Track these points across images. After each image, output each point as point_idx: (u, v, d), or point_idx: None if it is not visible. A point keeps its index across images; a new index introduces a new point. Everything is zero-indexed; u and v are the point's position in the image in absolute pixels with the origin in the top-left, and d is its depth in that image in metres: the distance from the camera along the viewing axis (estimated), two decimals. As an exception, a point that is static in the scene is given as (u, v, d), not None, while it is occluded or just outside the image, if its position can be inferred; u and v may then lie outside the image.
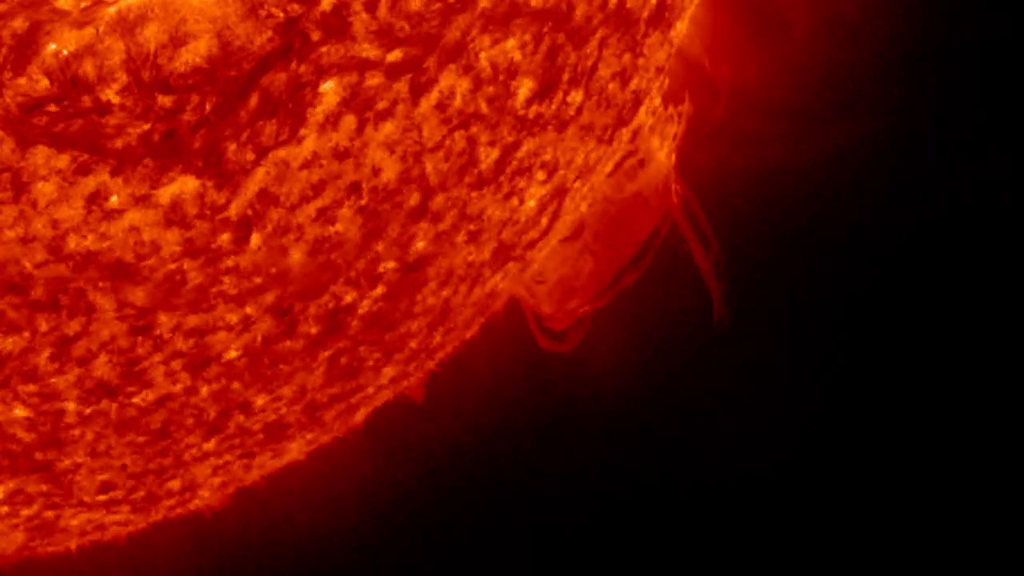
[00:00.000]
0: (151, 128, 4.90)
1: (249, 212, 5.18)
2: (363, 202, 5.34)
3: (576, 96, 5.70)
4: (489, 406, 7.75)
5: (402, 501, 7.85)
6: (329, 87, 5.05)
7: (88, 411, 5.54)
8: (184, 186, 5.06)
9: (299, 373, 5.84)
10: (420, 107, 5.24)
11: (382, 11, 5.00)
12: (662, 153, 6.82)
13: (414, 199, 5.45)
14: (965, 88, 7.58)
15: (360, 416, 6.62)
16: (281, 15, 4.86)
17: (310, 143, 5.14)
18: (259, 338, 5.57)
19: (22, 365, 5.29)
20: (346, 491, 7.67)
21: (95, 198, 4.98)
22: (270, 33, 4.88)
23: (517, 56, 5.37)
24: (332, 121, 5.12)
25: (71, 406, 5.50)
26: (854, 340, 8.03)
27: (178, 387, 5.61)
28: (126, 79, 4.79)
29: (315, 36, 4.95)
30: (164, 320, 5.35)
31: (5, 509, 5.94)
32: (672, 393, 8.00)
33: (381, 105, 5.17)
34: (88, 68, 4.75)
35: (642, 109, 6.34)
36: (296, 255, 5.36)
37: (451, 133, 5.37)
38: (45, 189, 4.92)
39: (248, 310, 5.45)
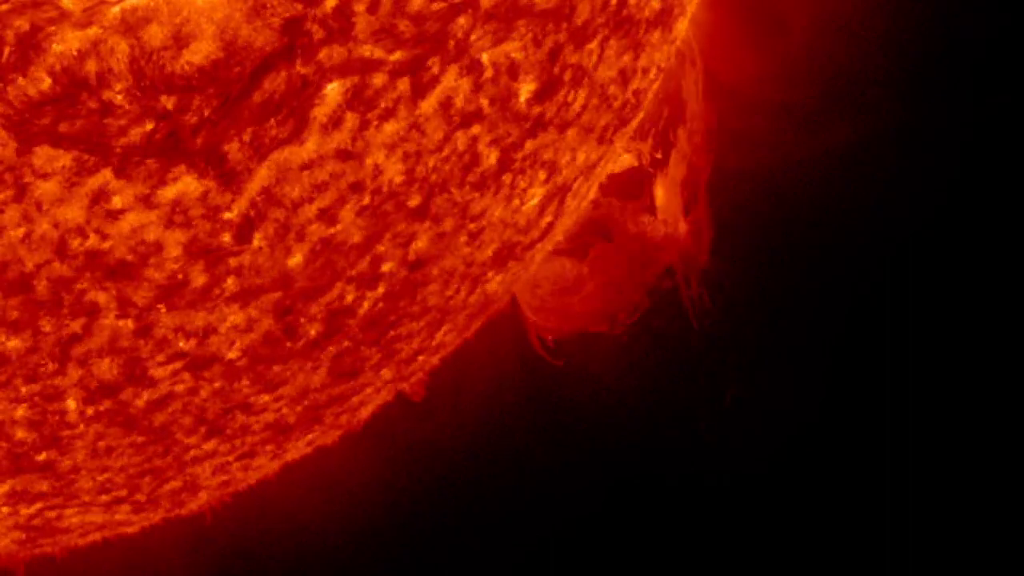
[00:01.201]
0: (154, 128, 4.90)
1: (251, 212, 5.18)
2: (365, 202, 5.34)
3: (577, 96, 5.70)
4: (489, 406, 7.75)
5: (402, 501, 7.84)
6: (332, 87, 5.05)
7: (89, 411, 5.54)
8: (186, 186, 5.05)
9: (300, 373, 5.83)
10: (422, 107, 5.24)
11: (384, 11, 4.99)
12: (672, 201, 6.84)
13: (415, 199, 5.45)
14: (965, 88, 7.59)
15: (360, 416, 6.62)
16: (284, 15, 4.86)
17: (312, 143, 5.13)
18: (260, 338, 5.57)
19: (24, 365, 5.29)
20: (346, 491, 7.67)
21: (98, 198, 4.98)
22: (273, 33, 4.88)
23: (519, 56, 5.37)
24: (334, 121, 5.12)
25: (72, 406, 5.50)
26: (853, 340, 8.03)
27: (179, 387, 5.61)
28: (129, 79, 4.78)
29: (318, 36, 4.95)
30: (166, 320, 5.34)
31: (5, 509, 5.93)
32: (670, 393, 8.00)
33: (383, 105, 5.17)
34: (91, 68, 4.75)
35: (639, 112, 6.34)
36: (298, 255, 5.36)
37: (453, 133, 5.37)
38: (48, 189, 4.92)
39: (250, 310, 5.45)
